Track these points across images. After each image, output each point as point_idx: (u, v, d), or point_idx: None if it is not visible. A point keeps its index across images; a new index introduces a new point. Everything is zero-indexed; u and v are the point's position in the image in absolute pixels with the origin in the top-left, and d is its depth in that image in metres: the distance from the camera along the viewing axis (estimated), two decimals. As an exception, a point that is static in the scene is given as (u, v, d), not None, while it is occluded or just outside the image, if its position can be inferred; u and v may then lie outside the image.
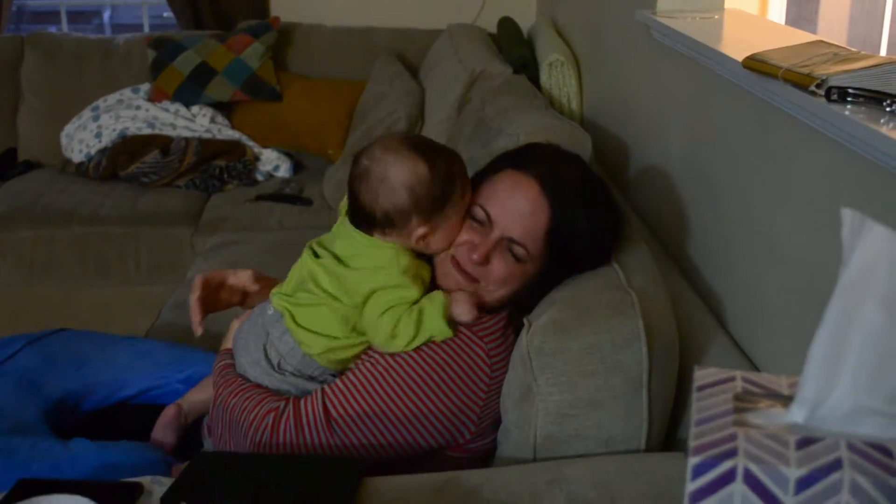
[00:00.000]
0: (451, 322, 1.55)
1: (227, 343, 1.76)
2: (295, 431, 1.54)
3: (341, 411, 1.54)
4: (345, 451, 1.54)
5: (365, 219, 1.57)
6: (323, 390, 1.57)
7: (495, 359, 1.58)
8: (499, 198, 1.61)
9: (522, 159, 1.66)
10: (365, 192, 1.55)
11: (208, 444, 1.75)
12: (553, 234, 1.59)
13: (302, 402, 1.57)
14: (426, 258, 1.64)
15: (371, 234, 1.58)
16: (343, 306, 1.58)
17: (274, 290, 1.68)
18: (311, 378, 1.62)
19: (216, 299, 1.82)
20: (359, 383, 1.56)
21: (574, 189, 1.63)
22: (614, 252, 1.71)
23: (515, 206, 1.60)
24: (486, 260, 1.58)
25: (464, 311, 1.55)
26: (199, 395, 1.86)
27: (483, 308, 1.60)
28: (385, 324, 1.53)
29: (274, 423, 1.54)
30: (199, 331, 1.75)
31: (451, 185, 1.56)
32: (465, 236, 1.61)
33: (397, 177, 1.53)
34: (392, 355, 1.57)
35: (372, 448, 1.55)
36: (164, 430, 1.81)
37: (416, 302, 1.55)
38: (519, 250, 1.59)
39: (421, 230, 1.56)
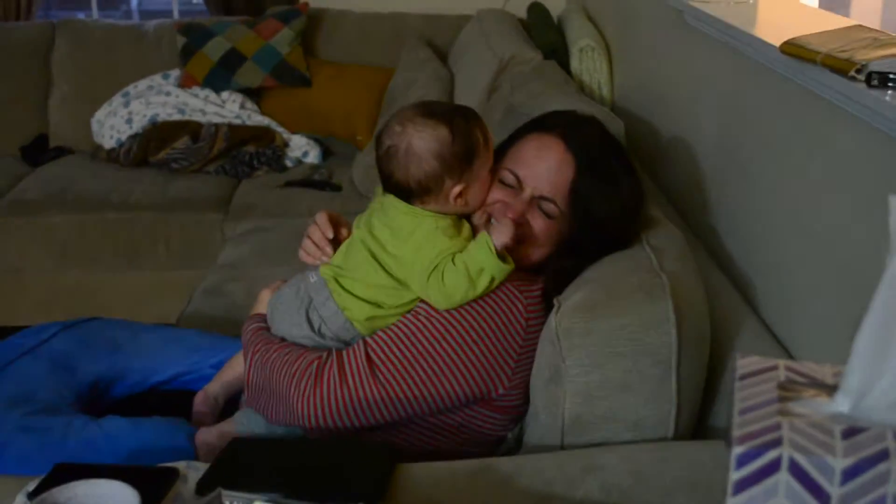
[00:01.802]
0: (502, 256, 1.56)
1: (258, 309, 1.78)
2: (339, 379, 1.56)
3: (384, 358, 1.57)
4: (388, 399, 1.56)
5: (403, 192, 1.63)
6: (365, 341, 1.60)
7: (531, 318, 1.60)
8: (526, 159, 1.69)
9: (544, 122, 1.75)
10: (396, 169, 1.61)
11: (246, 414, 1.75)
12: (580, 188, 1.65)
13: (344, 351, 1.60)
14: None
15: (412, 204, 1.63)
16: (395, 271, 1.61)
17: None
18: (348, 344, 1.64)
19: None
20: (401, 332, 1.59)
21: (596, 144, 1.71)
22: (646, 234, 1.71)
23: (542, 165, 1.67)
24: (522, 217, 1.64)
25: (502, 234, 1.57)
26: (225, 377, 1.87)
27: (524, 268, 1.64)
28: (433, 288, 1.57)
29: (318, 371, 1.57)
30: (329, 255, 1.72)
31: (473, 139, 1.62)
32: (497, 195, 1.67)
33: (421, 146, 1.59)
34: (432, 306, 1.59)
35: (413, 397, 1.57)
36: (199, 419, 1.82)
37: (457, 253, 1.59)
38: (549, 207, 1.65)
39: (457, 189, 1.61)
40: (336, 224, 1.76)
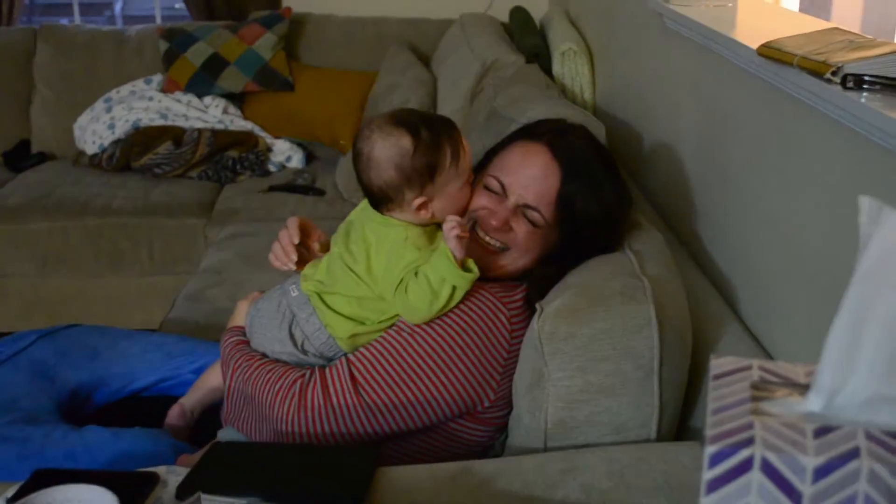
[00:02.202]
0: (463, 266, 1.54)
1: (236, 321, 1.77)
2: (323, 398, 1.55)
3: (367, 376, 1.57)
4: (373, 417, 1.56)
5: (369, 196, 1.63)
6: (348, 359, 1.60)
7: (515, 328, 1.60)
8: (511, 167, 1.68)
9: (532, 130, 1.75)
10: (361, 173, 1.61)
11: (227, 432, 1.75)
12: (565, 197, 1.64)
13: (327, 369, 1.59)
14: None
15: (381, 212, 1.63)
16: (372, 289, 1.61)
17: (304, 273, 1.70)
18: (330, 360, 1.64)
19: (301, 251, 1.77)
20: (383, 349, 1.59)
21: (583, 154, 1.69)
22: (628, 238, 1.71)
23: (527, 173, 1.66)
24: (506, 225, 1.64)
25: (451, 231, 1.54)
26: (201, 390, 1.86)
27: (506, 277, 1.65)
28: (399, 303, 1.57)
29: (301, 390, 1.56)
30: (293, 260, 1.72)
31: (437, 152, 1.59)
32: (483, 201, 1.66)
33: (381, 154, 1.57)
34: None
35: (399, 414, 1.56)
36: (174, 433, 1.81)
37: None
38: (534, 215, 1.64)
39: (417, 201, 1.59)
40: (305, 229, 1.75)
